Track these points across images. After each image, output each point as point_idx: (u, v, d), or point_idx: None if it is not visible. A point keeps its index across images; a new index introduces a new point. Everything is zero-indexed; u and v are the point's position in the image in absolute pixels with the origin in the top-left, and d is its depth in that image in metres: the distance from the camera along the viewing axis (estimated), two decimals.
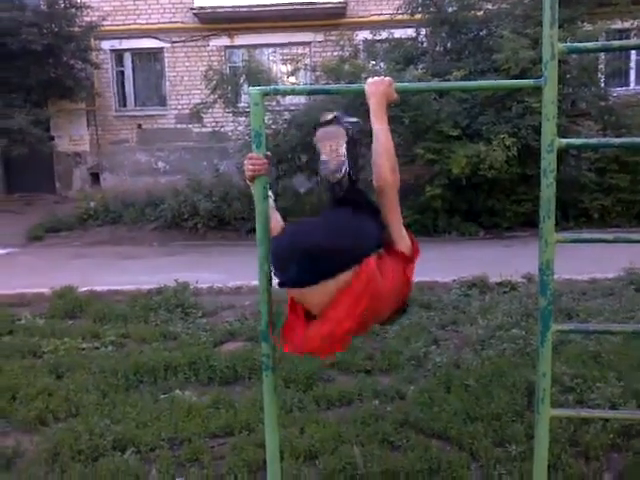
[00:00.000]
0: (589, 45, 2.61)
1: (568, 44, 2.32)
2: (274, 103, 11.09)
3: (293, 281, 2.13)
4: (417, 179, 10.75)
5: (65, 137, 14.38)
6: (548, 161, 2.22)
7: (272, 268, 2.29)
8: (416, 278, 5.89)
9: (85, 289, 6.55)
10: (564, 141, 2.27)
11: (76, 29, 12.80)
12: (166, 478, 3.07)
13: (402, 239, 2.28)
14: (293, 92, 2.84)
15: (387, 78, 2.31)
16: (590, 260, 6.53)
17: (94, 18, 13.11)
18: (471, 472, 3.09)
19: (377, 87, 2.28)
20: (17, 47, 11.55)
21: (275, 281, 2.25)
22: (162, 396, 4.00)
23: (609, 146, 9.23)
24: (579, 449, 3.20)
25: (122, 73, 14.68)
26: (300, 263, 2.05)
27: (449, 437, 3.38)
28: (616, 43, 2.59)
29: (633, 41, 2.82)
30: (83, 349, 4.86)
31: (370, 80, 2.31)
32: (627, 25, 11.21)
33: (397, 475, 3.10)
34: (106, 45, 14.24)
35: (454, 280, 6.45)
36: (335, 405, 3.83)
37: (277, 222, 2.42)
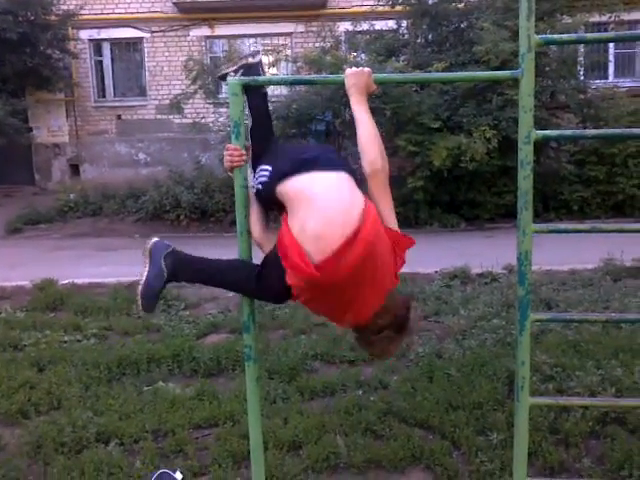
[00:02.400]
0: (564, 37, 2.64)
1: (544, 36, 2.34)
2: None
3: (324, 162, 2.22)
4: (399, 171, 10.79)
5: (43, 128, 14.18)
6: (525, 153, 2.25)
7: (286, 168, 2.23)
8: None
9: (66, 282, 6.49)
10: (540, 133, 2.29)
11: (53, 18, 12.58)
12: (150, 469, 3.07)
13: (394, 227, 2.22)
14: (273, 82, 2.83)
15: (366, 69, 2.31)
16: (570, 251, 6.62)
17: (71, 7, 12.91)
18: (453, 460, 3.13)
19: (357, 78, 2.28)
20: None
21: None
22: (145, 388, 3.99)
23: (584, 137, 9.32)
24: (559, 437, 3.26)
25: (101, 63, 14.49)
26: (324, 153, 2.33)
27: (431, 426, 3.43)
28: (590, 35, 2.62)
29: (606, 33, 2.85)
30: (65, 342, 4.83)
31: (349, 71, 2.30)
32: (605, 19, 11.31)
33: (380, 464, 3.14)
34: (84, 35, 14.03)
35: (436, 271, 6.50)
36: (319, 395, 3.86)
37: (257, 216, 2.37)
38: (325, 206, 2.06)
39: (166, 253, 2.32)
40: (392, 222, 2.19)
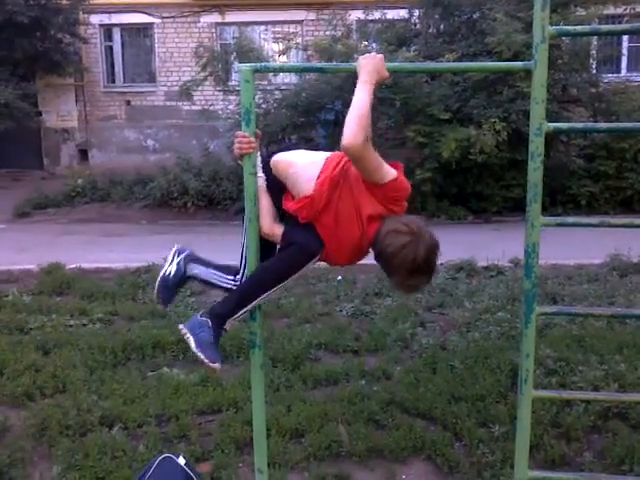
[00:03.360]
0: (579, 28, 2.61)
1: (558, 27, 2.31)
2: (265, 82, 10.99)
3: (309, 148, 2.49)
4: (407, 162, 10.74)
5: (53, 113, 14.19)
6: (536, 145, 2.23)
7: None
8: None
9: (73, 266, 6.52)
10: (552, 125, 2.27)
11: (64, 2, 12.56)
12: (153, 454, 3.10)
13: (387, 178, 2.24)
14: (284, 70, 2.83)
15: (379, 55, 2.29)
16: (577, 246, 6.60)
17: None
18: (454, 451, 3.15)
19: (369, 61, 2.26)
20: (2, 19, 11.31)
21: None
22: (150, 373, 4.02)
23: (595, 131, 9.25)
24: (561, 430, 3.27)
25: (111, 48, 14.47)
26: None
27: (433, 417, 3.44)
28: (604, 27, 2.59)
29: (621, 25, 2.80)
30: (70, 326, 4.86)
31: (362, 56, 2.30)
32: (620, 11, 11.18)
33: (382, 453, 3.15)
34: (95, 19, 14.00)
35: (442, 263, 6.48)
36: (322, 384, 3.87)
37: (266, 209, 2.38)
38: (304, 166, 2.32)
39: (188, 258, 2.44)
40: (383, 178, 2.23)
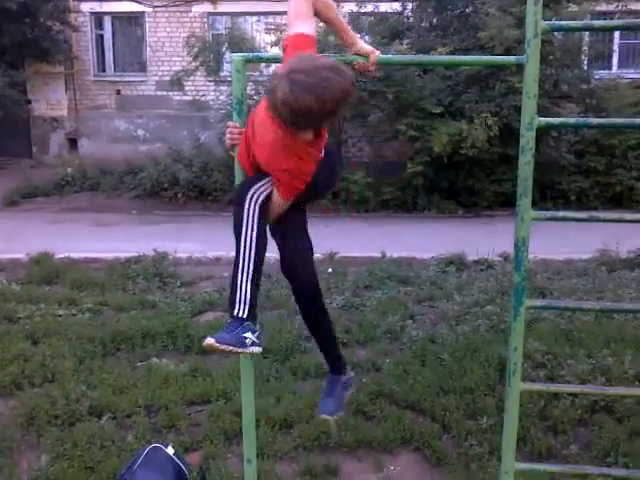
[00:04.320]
0: (571, 24, 2.62)
1: (551, 22, 2.32)
2: (257, 73, 10.94)
3: None
4: (399, 156, 10.76)
5: (42, 101, 14.05)
6: (527, 139, 2.24)
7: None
8: (394, 254, 6.04)
9: (62, 256, 6.49)
10: (543, 120, 2.28)
11: None
12: (142, 444, 3.10)
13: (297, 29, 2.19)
14: (276, 60, 2.81)
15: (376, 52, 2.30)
16: (566, 241, 6.64)
17: None
18: (442, 443, 3.17)
19: None
20: None
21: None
22: (139, 364, 4.02)
23: (586, 126, 9.25)
24: (548, 423, 3.30)
25: (101, 37, 14.32)
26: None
27: (422, 409, 3.46)
28: (597, 23, 2.59)
29: (614, 21, 2.82)
30: (59, 316, 4.84)
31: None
32: (612, 8, 11.22)
33: (370, 444, 3.17)
34: (85, 7, 13.85)
35: (432, 257, 6.52)
36: (311, 376, 3.88)
37: None
38: None
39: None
40: (299, 28, 2.19)
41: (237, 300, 2.24)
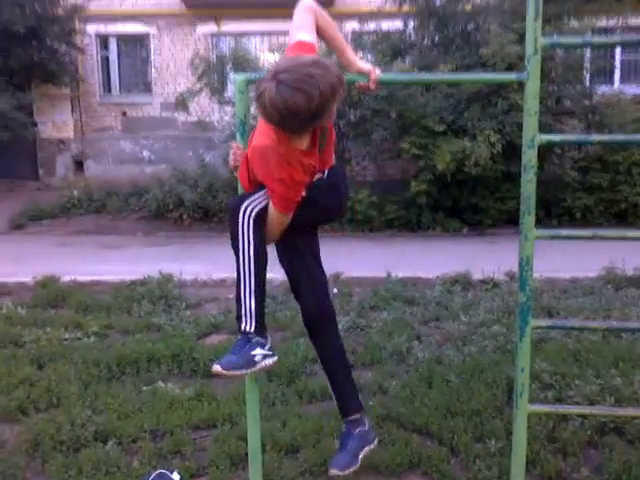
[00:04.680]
0: (571, 40, 2.63)
1: (550, 39, 2.33)
2: None
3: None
4: (403, 174, 10.80)
5: (48, 123, 14.18)
6: (529, 157, 2.25)
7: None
8: (399, 273, 6.02)
9: (68, 279, 6.50)
10: (545, 137, 2.29)
11: (60, 11, 12.57)
12: (148, 469, 3.08)
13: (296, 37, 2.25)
14: None
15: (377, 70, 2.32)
16: (572, 259, 6.61)
17: (79, 1, 12.90)
18: (450, 466, 3.13)
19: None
20: None
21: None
22: (144, 388, 4.00)
23: (588, 143, 9.28)
24: (557, 445, 3.26)
25: (107, 58, 14.49)
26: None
27: (430, 432, 3.43)
28: (596, 39, 2.62)
29: (613, 38, 2.83)
30: (65, 339, 4.83)
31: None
32: (613, 23, 11.29)
33: (378, 469, 3.14)
34: (91, 29, 14.03)
35: (437, 276, 6.50)
36: (317, 399, 3.85)
37: None
38: None
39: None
40: (299, 35, 2.24)
41: (243, 314, 2.25)
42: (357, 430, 2.49)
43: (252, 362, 2.18)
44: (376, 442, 2.54)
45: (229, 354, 2.19)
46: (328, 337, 2.53)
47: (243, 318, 2.25)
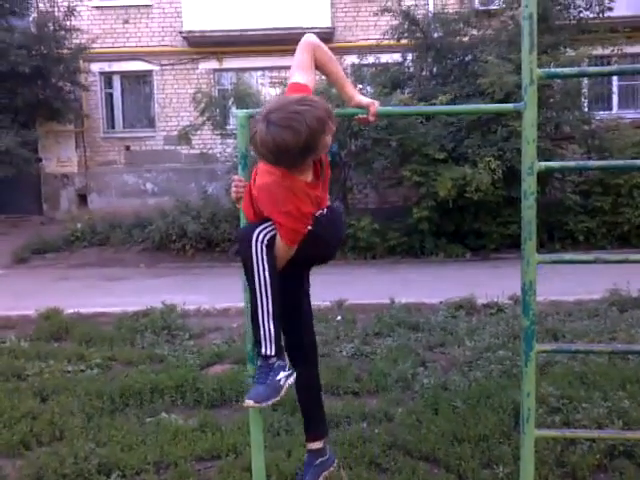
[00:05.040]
0: (566, 70, 2.68)
1: (546, 69, 2.38)
2: None
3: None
4: (404, 201, 10.85)
5: (53, 159, 14.36)
6: (528, 183, 2.27)
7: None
8: (403, 299, 6.01)
9: (71, 311, 6.49)
10: (544, 164, 2.32)
11: (65, 51, 12.84)
12: None
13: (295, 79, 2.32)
14: None
15: (376, 102, 2.38)
16: (576, 282, 6.59)
17: (83, 40, 13.18)
18: None
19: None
20: (5, 69, 11.56)
21: None
22: (148, 419, 3.96)
23: (587, 169, 9.37)
24: (566, 470, 3.21)
25: (111, 95, 14.74)
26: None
27: (436, 459, 3.38)
28: (592, 69, 2.67)
29: (608, 67, 2.89)
30: (68, 372, 4.81)
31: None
32: (608, 52, 11.45)
33: None
34: (95, 67, 14.30)
35: (441, 302, 6.48)
36: None
37: None
38: None
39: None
40: (294, 77, 2.32)
41: (263, 338, 2.27)
42: (318, 461, 2.64)
43: (279, 387, 2.25)
44: (335, 464, 2.71)
45: (256, 385, 2.25)
46: (309, 366, 2.61)
47: (263, 342, 2.27)
